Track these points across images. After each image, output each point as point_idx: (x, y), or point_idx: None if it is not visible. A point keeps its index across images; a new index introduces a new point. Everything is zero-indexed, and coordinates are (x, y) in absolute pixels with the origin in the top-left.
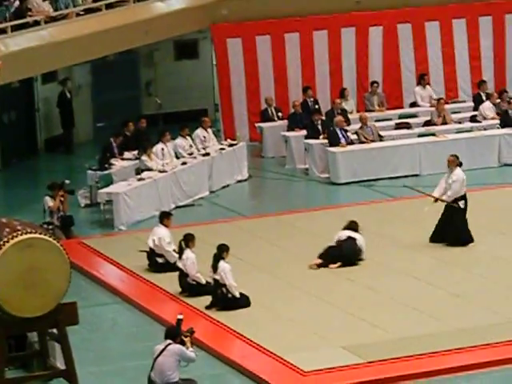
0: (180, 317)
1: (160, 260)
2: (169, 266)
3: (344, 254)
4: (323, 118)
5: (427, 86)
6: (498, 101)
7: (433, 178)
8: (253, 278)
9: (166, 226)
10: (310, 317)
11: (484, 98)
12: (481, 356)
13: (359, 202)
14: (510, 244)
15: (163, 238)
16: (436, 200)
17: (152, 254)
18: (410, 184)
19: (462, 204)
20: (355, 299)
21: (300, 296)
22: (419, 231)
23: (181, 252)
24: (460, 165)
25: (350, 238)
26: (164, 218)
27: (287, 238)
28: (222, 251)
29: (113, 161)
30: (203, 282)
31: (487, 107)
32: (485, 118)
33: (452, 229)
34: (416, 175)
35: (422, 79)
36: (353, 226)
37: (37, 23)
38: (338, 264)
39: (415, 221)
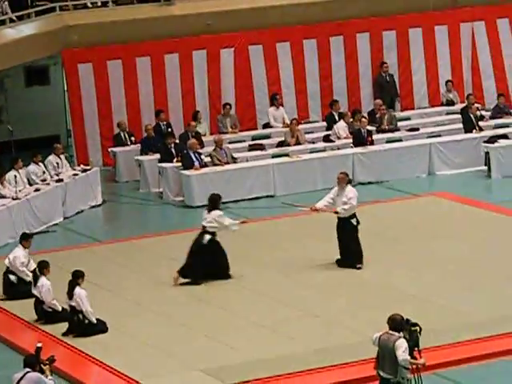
0: (39, 345)
1: (12, 277)
2: (22, 286)
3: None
4: (176, 141)
5: (280, 107)
6: (351, 120)
7: (287, 198)
8: (109, 303)
9: (25, 247)
10: (168, 340)
11: (337, 117)
12: (339, 375)
13: None
14: (371, 267)
15: (18, 257)
16: (315, 210)
17: (6, 272)
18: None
19: (354, 222)
20: (212, 321)
21: (157, 319)
22: (277, 252)
23: (36, 279)
24: (350, 182)
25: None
26: (23, 239)
27: (143, 263)
28: (77, 277)
29: None
30: (59, 308)
31: (341, 127)
32: (339, 138)
33: (351, 249)
34: (271, 196)
35: (275, 100)
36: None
37: None
38: (176, 275)
39: (272, 242)
